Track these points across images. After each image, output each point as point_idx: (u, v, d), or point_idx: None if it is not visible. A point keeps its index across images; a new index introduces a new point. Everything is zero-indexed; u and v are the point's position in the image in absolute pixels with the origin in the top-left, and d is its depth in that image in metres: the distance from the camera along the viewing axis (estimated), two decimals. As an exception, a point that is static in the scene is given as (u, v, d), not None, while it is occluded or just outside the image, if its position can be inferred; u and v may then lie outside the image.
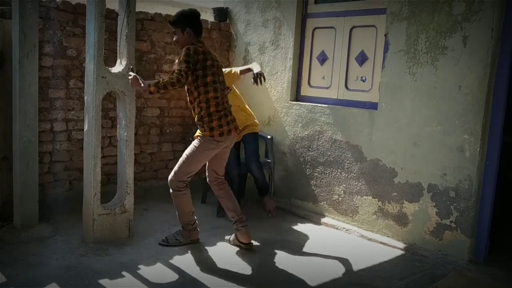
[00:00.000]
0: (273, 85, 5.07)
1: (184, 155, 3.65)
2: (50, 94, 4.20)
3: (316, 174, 4.72)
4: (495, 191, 3.70)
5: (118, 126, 3.83)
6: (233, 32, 5.48)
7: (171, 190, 3.69)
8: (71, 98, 4.31)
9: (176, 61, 3.59)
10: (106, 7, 3.61)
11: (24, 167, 3.79)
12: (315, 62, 4.82)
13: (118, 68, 3.69)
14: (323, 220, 4.58)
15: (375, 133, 4.21)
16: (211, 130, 3.51)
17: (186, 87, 3.55)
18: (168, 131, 5.09)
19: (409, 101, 3.96)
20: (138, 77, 3.54)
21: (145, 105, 4.85)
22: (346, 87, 4.55)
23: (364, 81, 4.41)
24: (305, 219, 4.68)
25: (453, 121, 3.72)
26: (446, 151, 3.77)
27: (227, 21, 5.50)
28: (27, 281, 3.02)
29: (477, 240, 3.73)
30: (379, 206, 4.21)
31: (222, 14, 5.47)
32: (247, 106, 4.62)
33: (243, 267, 3.49)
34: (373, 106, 4.29)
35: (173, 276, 3.28)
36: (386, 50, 4.10)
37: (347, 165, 4.45)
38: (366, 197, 4.31)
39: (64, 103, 4.28)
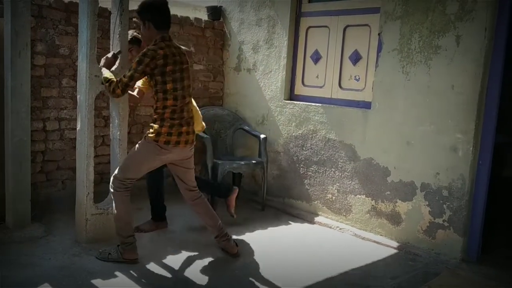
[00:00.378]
0: (267, 84, 5.07)
1: (128, 154, 3.47)
2: (43, 93, 4.17)
3: (309, 173, 4.72)
4: (488, 190, 3.71)
5: (111, 125, 3.81)
6: (227, 31, 5.46)
7: (110, 190, 3.41)
8: (63, 97, 4.29)
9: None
10: (99, 5, 3.58)
11: (16, 167, 3.76)
12: (309, 61, 4.82)
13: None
14: (317, 219, 4.59)
15: (368, 132, 4.22)
16: (157, 135, 3.24)
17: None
18: (161, 130, 5.06)
19: (403, 100, 3.97)
20: (110, 62, 3.48)
21: (138, 104, 4.82)
22: (340, 86, 4.56)
23: (357, 80, 4.42)
24: (298, 218, 4.69)
25: (446, 120, 3.73)
26: (439, 150, 3.78)
27: (221, 20, 5.48)
28: (19, 282, 3.00)
29: (470, 239, 3.75)
30: (373, 205, 4.22)
31: (216, 12, 5.46)
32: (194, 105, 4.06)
33: (236, 267, 3.48)
34: (366, 105, 4.29)
35: (166, 276, 3.27)
36: (379, 49, 4.10)
37: (340, 164, 4.45)
38: (360, 196, 4.31)
39: (57, 102, 4.26)
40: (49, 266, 3.26)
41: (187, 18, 5.18)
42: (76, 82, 3.92)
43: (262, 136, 4.90)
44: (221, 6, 5.48)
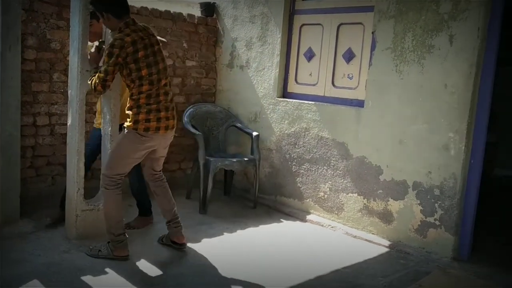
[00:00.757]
0: (260, 81, 5.05)
1: (111, 149, 3.41)
2: (33, 88, 4.12)
3: (302, 171, 4.71)
4: (480, 189, 3.73)
5: (102, 121, 3.77)
6: (220, 27, 5.44)
7: (100, 188, 3.36)
8: (54, 92, 4.24)
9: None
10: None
11: (6, 162, 3.73)
12: (302, 58, 4.81)
13: (101, 62, 3.63)
14: (309, 217, 4.58)
15: (361, 131, 4.22)
16: (135, 123, 3.17)
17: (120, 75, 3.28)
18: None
19: (396, 99, 3.98)
20: (96, 56, 3.43)
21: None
22: (333, 84, 4.55)
23: (351, 78, 4.41)
24: (290, 216, 4.68)
25: (438, 120, 3.74)
26: (431, 149, 3.79)
27: (214, 16, 5.45)
28: (8, 278, 2.96)
29: (461, 238, 3.76)
30: (365, 204, 4.23)
31: (209, 9, 5.43)
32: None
33: (227, 264, 3.46)
34: (359, 103, 4.29)
35: (157, 272, 3.25)
36: (373, 47, 4.10)
37: (333, 163, 4.45)
38: (352, 195, 4.31)
39: (48, 97, 4.21)
40: (38, 262, 3.23)
41: (180, 14, 5.14)
42: (67, 77, 3.86)
43: (254, 133, 4.89)
44: (215, 3, 5.45)
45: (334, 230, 4.35)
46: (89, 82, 3.29)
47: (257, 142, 4.86)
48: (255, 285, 3.18)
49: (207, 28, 5.38)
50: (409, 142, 3.91)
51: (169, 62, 4.86)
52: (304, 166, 4.69)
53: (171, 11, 5.06)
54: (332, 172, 4.46)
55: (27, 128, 4.11)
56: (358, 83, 4.34)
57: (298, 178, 4.75)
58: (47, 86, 4.20)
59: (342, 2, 4.45)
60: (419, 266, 3.65)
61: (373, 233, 4.17)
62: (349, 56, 4.41)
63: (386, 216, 4.09)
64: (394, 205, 4.03)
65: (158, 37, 3.41)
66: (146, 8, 4.81)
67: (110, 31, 3.47)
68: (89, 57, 3.48)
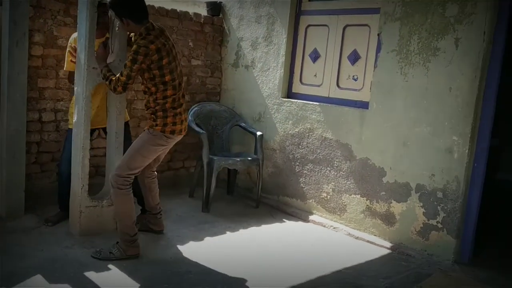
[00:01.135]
0: (265, 81, 5.07)
1: (130, 149, 3.42)
2: (39, 84, 4.14)
3: (305, 171, 4.72)
4: (483, 192, 3.73)
5: (108, 118, 3.79)
6: (226, 27, 5.45)
7: (111, 189, 3.37)
8: (60, 88, 4.26)
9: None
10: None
11: (11, 157, 3.75)
12: (308, 59, 4.82)
13: (109, 59, 3.64)
14: (311, 217, 4.59)
15: (365, 132, 4.23)
16: (164, 126, 3.33)
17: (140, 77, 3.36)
18: (158, 124, 5.05)
19: (400, 101, 3.98)
20: (103, 54, 3.47)
21: (136, 98, 4.81)
22: (338, 86, 4.56)
23: (355, 80, 4.42)
24: (293, 216, 4.69)
25: (442, 123, 3.75)
26: (435, 152, 3.80)
27: (220, 16, 5.47)
28: (11, 272, 2.98)
29: (463, 241, 3.76)
30: (367, 205, 4.23)
31: (216, 8, 5.44)
32: None
33: (230, 263, 3.48)
34: (364, 105, 4.30)
35: (159, 270, 3.26)
36: (378, 49, 4.11)
37: (336, 164, 4.46)
38: (355, 196, 4.32)
39: (53, 93, 4.23)
40: (41, 257, 3.25)
41: (186, 13, 5.16)
42: (73, 73, 3.89)
43: (258, 133, 4.90)
44: (221, 2, 5.46)
45: (336, 231, 4.36)
46: (106, 83, 3.36)
47: (260, 141, 4.87)
48: (257, 284, 3.20)
49: (213, 27, 5.39)
50: (413, 145, 3.92)
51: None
52: (308, 167, 4.70)
53: (178, 10, 5.07)
54: (336, 173, 4.47)
55: (33, 124, 4.13)
56: (363, 85, 4.35)
57: (301, 179, 4.76)
58: (53, 83, 4.22)
59: (348, 4, 4.46)
60: (421, 268, 3.66)
61: (375, 235, 4.18)
62: (354, 57, 4.42)
63: (388, 218, 4.09)
64: (397, 207, 4.03)
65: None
66: (152, 6, 4.81)
67: (116, 26, 3.50)
68: (95, 55, 3.49)
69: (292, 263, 3.59)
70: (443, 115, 3.74)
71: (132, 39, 3.46)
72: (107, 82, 3.36)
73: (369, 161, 4.21)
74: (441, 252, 3.77)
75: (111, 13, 3.44)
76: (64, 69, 3.83)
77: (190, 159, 5.39)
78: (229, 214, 4.56)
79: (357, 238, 4.21)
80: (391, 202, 4.07)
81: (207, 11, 5.46)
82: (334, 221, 4.47)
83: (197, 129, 4.76)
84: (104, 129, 3.88)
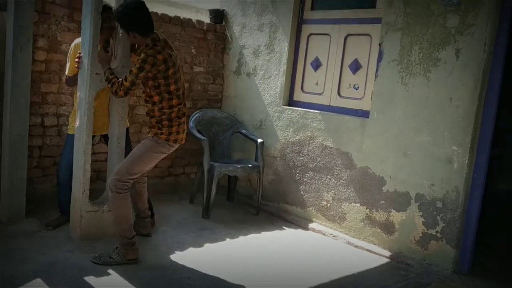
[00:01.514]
0: (266, 89, 5.09)
1: (131, 154, 3.45)
2: (42, 88, 4.17)
3: (305, 179, 4.74)
4: (482, 202, 3.74)
5: (110, 123, 3.81)
6: (228, 35, 5.49)
7: (110, 193, 3.39)
8: (63, 93, 4.29)
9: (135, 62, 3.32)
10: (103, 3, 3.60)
11: (13, 161, 3.77)
12: (309, 67, 4.85)
13: (112, 64, 3.67)
14: (311, 225, 4.60)
15: (365, 141, 4.24)
16: (169, 135, 3.39)
17: (142, 84, 3.38)
18: (159, 130, 5.07)
19: (401, 111, 4.00)
20: (106, 57, 3.49)
21: (138, 103, 4.83)
22: (339, 94, 4.58)
23: (356, 89, 4.45)
24: (292, 223, 4.70)
25: (443, 133, 3.77)
26: (434, 162, 3.81)
27: (223, 23, 5.51)
28: (12, 276, 2.99)
29: (462, 251, 3.77)
30: (367, 214, 4.24)
31: (218, 16, 5.48)
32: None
33: (229, 269, 3.49)
34: (364, 114, 4.32)
35: (159, 276, 3.27)
36: (379, 59, 4.13)
37: (336, 172, 4.47)
38: (354, 204, 4.34)
39: (56, 98, 4.26)
40: (42, 261, 3.25)
41: (189, 20, 5.19)
42: (76, 79, 3.91)
43: (259, 140, 4.92)
44: (224, 10, 5.50)
45: (335, 239, 4.37)
46: (109, 85, 3.41)
47: (261, 149, 4.89)
48: (256, 291, 3.21)
49: (216, 34, 5.43)
50: (413, 154, 3.94)
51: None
52: (308, 175, 4.71)
53: (181, 17, 5.11)
54: (336, 181, 4.48)
55: (35, 128, 4.16)
56: (364, 94, 4.38)
57: (301, 186, 4.78)
58: (56, 87, 4.25)
59: (350, 13, 4.49)
60: (420, 277, 3.66)
61: (374, 244, 4.19)
62: (355, 66, 4.45)
63: (388, 227, 4.10)
64: (396, 216, 4.04)
65: None
66: (156, 13, 4.85)
67: (120, 32, 3.53)
68: (99, 60, 3.52)
69: (291, 271, 3.60)
70: (444, 125, 3.76)
71: (136, 46, 3.49)
72: (109, 85, 3.40)
73: (369, 170, 4.22)
74: (440, 261, 3.78)
75: (117, 24, 3.49)
76: (67, 73, 3.82)
77: (191, 165, 5.41)
78: (229, 221, 4.57)
79: (356, 246, 4.22)
80: (391, 211, 4.08)
81: (210, 18, 5.51)
82: (334, 229, 4.48)
83: (198, 135, 4.78)
84: (104, 136, 3.91)
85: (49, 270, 3.14)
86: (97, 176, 4.47)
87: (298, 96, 4.94)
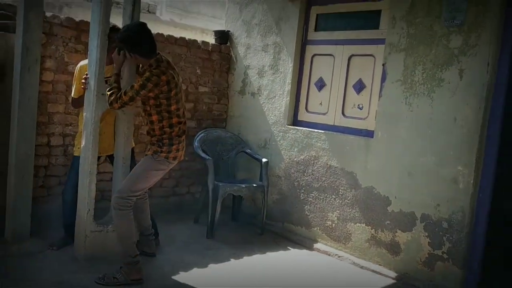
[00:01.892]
0: (271, 108, 5.12)
1: (132, 172, 3.51)
2: (49, 109, 4.21)
3: (310, 199, 4.73)
4: (488, 223, 3.71)
5: (115, 143, 3.84)
6: (233, 55, 5.55)
7: (113, 211, 3.42)
8: (69, 113, 4.32)
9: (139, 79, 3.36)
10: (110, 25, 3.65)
11: (19, 181, 3.78)
12: (313, 88, 4.88)
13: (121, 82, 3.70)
14: (316, 245, 4.58)
15: (370, 161, 4.24)
16: (169, 153, 3.44)
17: (141, 102, 3.41)
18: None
19: (405, 131, 4.01)
20: (120, 61, 3.45)
21: (143, 123, 4.85)
22: (343, 114, 4.60)
23: (361, 108, 4.46)
24: (297, 244, 4.67)
25: (447, 153, 3.76)
26: (440, 182, 3.80)
27: (227, 44, 5.57)
28: (15, 297, 2.99)
29: (469, 272, 3.73)
30: (372, 234, 4.22)
31: (223, 37, 5.55)
32: None
33: (234, 290, 3.47)
34: (369, 134, 4.33)
35: (163, 297, 3.26)
36: (383, 79, 4.16)
37: (341, 192, 4.46)
38: (360, 224, 4.31)
39: (63, 118, 4.30)
40: (46, 281, 3.25)
41: (195, 41, 5.26)
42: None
43: (263, 160, 4.93)
44: (229, 31, 5.57)
45: (341, 260, 4.33)
46: (107, 93, 3.42)
47: (266, 168, 4.89)
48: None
49: (221, 55, 5.49)
50: (418, 174, 3.93)
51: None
52: (313, 194, 4.71)
53: (186, 38, 5.18)
54: (340, 201, 4.47)
55: (41, 148, 4.19)
56: (368, 114, 4.39)
57: (306, 206, 4.77)
58: (63, 108, 4.29)
59: (353, 34, 4.54)
60: (426, 299, 3.62)
61: (380, 264, 4.15)
62: (359, 87, 4.47)
63: (393, 248, 4.07)
64: (402, 237, 4.02)
65: None
66: (161, 34, 4.92)
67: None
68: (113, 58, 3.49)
69: (296, 291, 3.57)
70: (448, 145, 3.76)
71: (140, 66, 3.53)
72: (108, 92, 3.42)
73: (374, 189, 4.21)
74: (447, 283, 3.74)
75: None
76: (72, 95, 3.85)
77: (196, 184, 5.41)
78: (233, 241, 4.55)
79: (362, 267, 4.18)
80: (396, 232, 4.05)
81: (215, 39, 5.57)
82: (339, 249, 4.45)
83: (203, 155, 4.79)
84: (109, 156, 3.93)
85: (53, 290, 3.13)
86: (102, 195, 4.47)
87: (303, 116, 4.96)
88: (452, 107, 3.74)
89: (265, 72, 5.19)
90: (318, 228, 4.65)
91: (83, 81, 3.63)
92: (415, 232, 3.94)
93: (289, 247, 4.58)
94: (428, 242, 3.86)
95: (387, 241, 4.12)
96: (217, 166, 4.98)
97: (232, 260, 4.09)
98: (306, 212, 4.76)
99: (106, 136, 3.80)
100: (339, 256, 4.37)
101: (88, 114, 3.62)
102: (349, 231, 4.39)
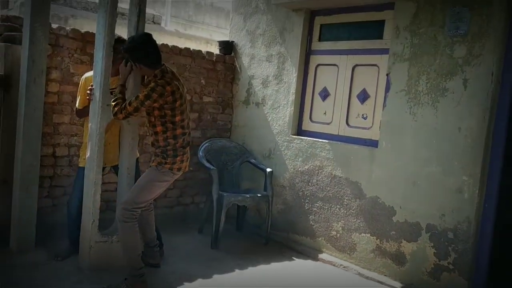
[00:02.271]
0: (275, 118, 5.13)
1: (137, 184, 3.51)
2: (54, 119, 4.24)
3: (314, 209, 4.72)
4: (494, 233, 3.69)
5: (120, 154, 3.85)
6: (237, 65, 5.57)
7: (118, 223, 3.44)
8: (75, 124, 4.35)
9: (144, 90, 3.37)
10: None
11: (24, 191, 3.80)
12: (317, 97, 4.89)
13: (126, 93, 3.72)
14: (321, 256, 4.56)
15: (375, 171, 4.23)
16: (173, 164, 3.43)
17: (146, 112, 3.42)
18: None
19: (409, 141, 4.00)
20: (127, 72, 3.49)
21: (148, 134, 4.87)
22: (347, 124, 4.60)
23: (365, 118, 4.46)
24: (302, 254, 4.66)
25: (452, 162, 3.75)
26: (445, 191, 3.79)
27: (232, 54, 5.60)
28: (20, 308, 2.99)
29: (475, 283, 3.70)
30: (377, 244, 4.20)
31: (228, 47, 5.58)
32: None
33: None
34: (373, 143, 4.33)
35: (167, 308, 3.25)
36: (387, 89, 4.16)
37: (346, 201, 4.45)
38: (364, 235, 4.30)
39: (68, 129, 4.32)
40: (50, 292, 3.25)
41: (199, 51, 5.29)
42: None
43: (268, 169, 4.93)
44: (233, 41, 5.60)
45: (346, 270, 4.31)
46: (112, 103, 3.44)
47: (270, 178, 4.89)
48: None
49: (225, 65, 5.51)
50: (423, 184, 3.92)
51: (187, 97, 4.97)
52: (317, 204, 4.70)
53: (191, 49, 5.21)
54: (345, 211, 4.46)
55: (46, 159, 4.21)
56: (372, 124, 4.39)
57: (310, 216, 4.75)
58: (68, 118, 4.31)
59: (357, 44, 4.55)
60: (432, 310, 3.59)
61: (385, 275, 4.13)
62: (363, 96, 4.48)
63: (399, 258, 4.05)
64: (407, 247, 4.00)
65: None
66: (166, 45, 4.95)
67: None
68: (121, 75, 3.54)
69: (301, 302, 3.55)
70: (453, 155, 3.75)
71: (145, 77, 3.55)
72: (112, 103, 3.44)
73: (379, 199, 4.20)
74: (453, 293, 3.71)
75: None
76: (77, 106, 3.87)
77: (200, 194, 5.41)
78: (238, 251, 4.54)
79: (367, 278, 4.16)
80: (401, 242, 4.03)
81: (219, 49, 5.60)
82: (344, 260, 4.43)
83: (207, 165, 4.80)
84: (114, 166, 3.94)
85: (57, 301, 3.13)
86: (107, 206, 4.48)
87: (307, 125, 4.97)
88: (457, 117, 3.74)
89: (269, 82, 5.21)
90: (323, 238, 4.64)
91: (88, 92, 3.66)
92: (420, 242, 3.92)
93: (294, 257, 4.57)
94: (434, 252, 3.84)
95: (392, 252, 4.09)
96: (221, 176, 4.98)
97: (236, 270, 4.08)
98: (311, 222, 4.74)
99: (111, 146, 3.82)
100: (344, 267, 4.35)
101: (93, 125, 3.64)
102: (354, 241, 4.37)
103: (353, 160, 4.40)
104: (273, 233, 4.96)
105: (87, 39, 4.32)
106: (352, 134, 4.55)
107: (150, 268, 3.78)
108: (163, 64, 3.44)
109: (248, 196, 4.76)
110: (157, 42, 3.51)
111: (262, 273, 4.08)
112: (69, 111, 4.31)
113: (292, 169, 4.94)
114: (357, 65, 4.55)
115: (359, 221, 4.34)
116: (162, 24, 8.82)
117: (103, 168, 3.75)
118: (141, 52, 3.34)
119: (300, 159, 4.86)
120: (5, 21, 4.05)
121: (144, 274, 3.42)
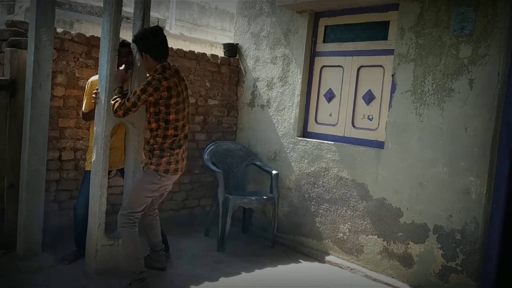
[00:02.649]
0: (280, 120, 5.12)
1: (131, 189, 3.55)
2: (60, 123, 4.25)
3: (321, 211, 4.70)
4: (502, 234, 3.66)
5: (126, 157, 3.85)
6: (242, 68, 5.57)
7: (119, 227, 3.46)
8: (80, 127, 4.36)
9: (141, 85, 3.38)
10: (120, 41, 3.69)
11: (30, 195, 3.81)
12: (323, 99, 4.87)
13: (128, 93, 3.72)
14: (328, 258, 4.54)
15: (381, 172, 4.22)
16: (158, 165, 3.38)
17: (145, 109, 3.45)
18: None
19: (416, 141, 3.98)
20: (122, 76, 3.54)
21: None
22: (353, 125, 4.59)
23: (371, 119, 4.45)
24: (309, 256, 4.64)
25: (459, 163, 3.73)
26: (452, 192, 3.76)
27: (236, 57, 5.60)
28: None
29: (483, 284, 3.67)
30: (384, 246, 4.18)
31: (232, 50, 5.58)
32: None
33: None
34: (379, 145, 4.31)
35: (174, 311, 3.24)
36: (393, 90, 4.15)
37: (352, 203, 4.43)
38: (371, 236, 4.27)
39: (74, 133, 4.33)
40: (57, 296, 3.25)
41: (204, 54, 5.29)
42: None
43: (274, 172, 4.92)
44: (238, 44, 5.60)
45: (353, 273, 4.29)
46: (112, 102, 3.46)
47: (276, 180, 4.88)
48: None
49: (230, 68, 5.51)
50: (430, 185, 3.89)
51: (191, 100, 4.99)
52: (323, 206, 4.68)
53: (196, 52, 5.21)
54: (352, 213, 4.44)
55: (52, 163, 4.21)
56: (378, 125, 4.37)
57: (317, 218, 4.74)
58: (74, 122, 4.32)
59: (362, 46, 4.54)
60: (440, 312, 3.57)
61: (393, 277, 4.11)
62: (369, 97, 4.46)
63: (406, 260, 4.03)
64: (415, 249, 3.97)
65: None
66: (171, 48, 4.92)
67: (137, 64, 3.63)
68: (117, 77, 3.58)
69: (308, 305, 3.53)
70: (460, 156, 3.73)
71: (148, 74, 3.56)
72: (112, 102, 3.46)
73: (385, 201, 4.18)
74: (461, 295, 3.69)
75: (133, 47, 3.59)
76: (83, 109, 3.90)
77: (206, 197, 5.41)
78: (244, 254, 4.53)
79: (374, 280, 4.14)
80: (409, 243, 4.01)
81: (224, 52, 5.61)
82: (351, 262, 4.41)
83: (213, 167, 4.79)
84: (120, 169, 3.95)
85: (64, 305, 3.13)
86: (113, 209, 4.48)
87: (312, 127, 4.96)
88: (463, 117, 3.71)
89: (274, 84, 5.20)
90: (330, 240, 4.62)
91: (93, 95, 3.67)
92: (428, 243, 3.89)
93: (300, 260, 4.55)
94: (441, 254, 3.81)
95: (399, 253, 4.07)
96: (227, 179, 4.97)
97: (243, 273, 4.07)
98: (317, 224, 4.73)
99: (116, 150, 3.83)
100: (351, 269, 4.33)
101: (98, 128, 3.64)
102: (361, 243, 4.35)
103: (359, 162, 4.38)
104: (280, 235, 4.95)
105: (92, 43, 4.33)
106: (358, 136, 4.54)
107: (155, 271, 3.77)
108: (167, 61, 3.44)
109: (254, 198, 4.75)
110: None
111: (268, 275, 4.07)
112: (74, 115, 4.32)
113: (298, 171, 4.93)
114: (362, 66, 4.53)
115: (366, 222, 4.32)
116: (167, 28, 8.85)
117: (109, 172, 3.76)
118: (150, 40, 3.38)
119: (305, 161, 4.85)
120: (10, 26, 4.08)
121: (145, 278, 3.41)
